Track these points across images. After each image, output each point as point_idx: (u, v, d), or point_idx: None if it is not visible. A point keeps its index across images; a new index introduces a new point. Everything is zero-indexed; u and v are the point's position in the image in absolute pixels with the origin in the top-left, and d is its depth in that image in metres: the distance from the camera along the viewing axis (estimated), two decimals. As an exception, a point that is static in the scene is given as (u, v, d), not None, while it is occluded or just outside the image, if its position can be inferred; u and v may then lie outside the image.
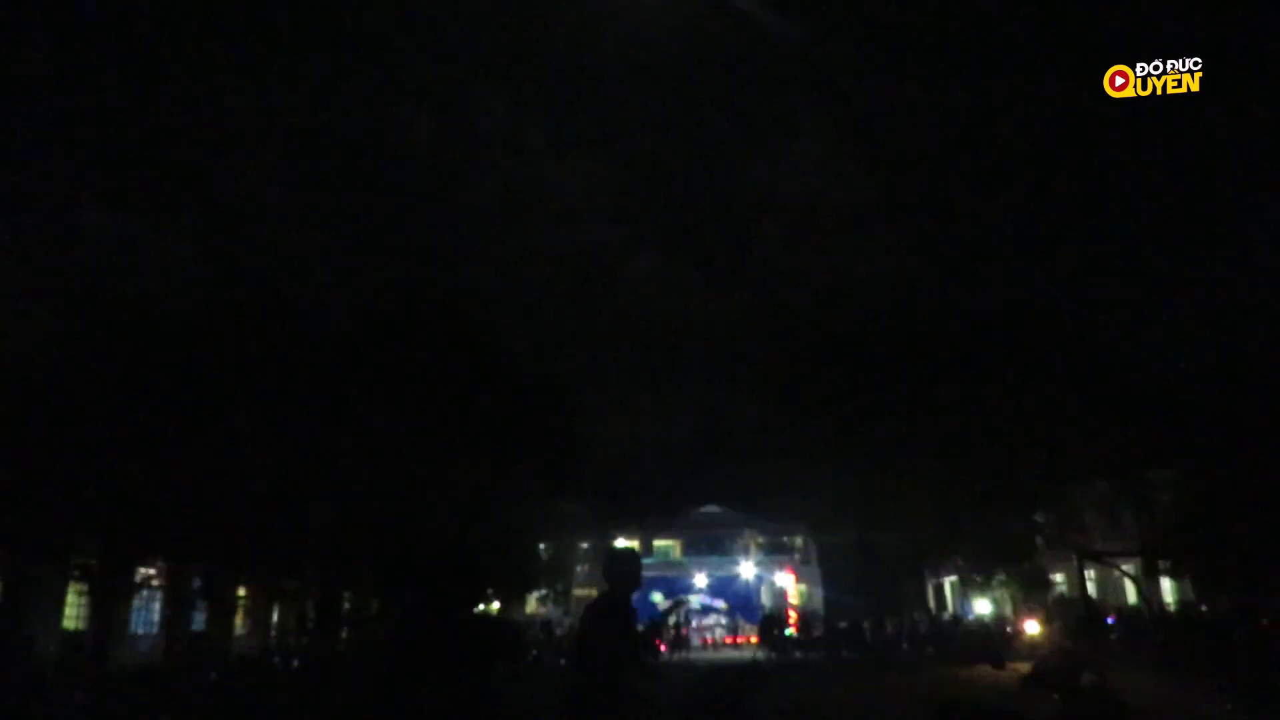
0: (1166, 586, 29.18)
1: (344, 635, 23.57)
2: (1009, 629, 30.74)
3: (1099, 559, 27.09)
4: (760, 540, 47.45)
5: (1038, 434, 25.31)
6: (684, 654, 28.69)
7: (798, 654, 28.14)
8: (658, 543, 48.82)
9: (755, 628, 32.78)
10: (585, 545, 41.30)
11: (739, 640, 35.49)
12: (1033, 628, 27.56)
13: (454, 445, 18.53)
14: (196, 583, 24.55)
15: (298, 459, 17.03)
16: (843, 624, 31.43)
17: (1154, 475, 26.20)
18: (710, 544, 47.30)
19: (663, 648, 28.34)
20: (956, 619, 36.28)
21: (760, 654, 27.26)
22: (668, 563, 46.97)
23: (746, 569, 43.84)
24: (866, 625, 30.86)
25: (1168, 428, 23.01)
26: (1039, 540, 33.31)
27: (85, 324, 16.35)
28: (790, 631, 31.07)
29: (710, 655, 30.10)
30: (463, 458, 18.82)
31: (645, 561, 46.58)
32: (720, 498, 49.75)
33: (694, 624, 37.14)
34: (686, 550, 47.77)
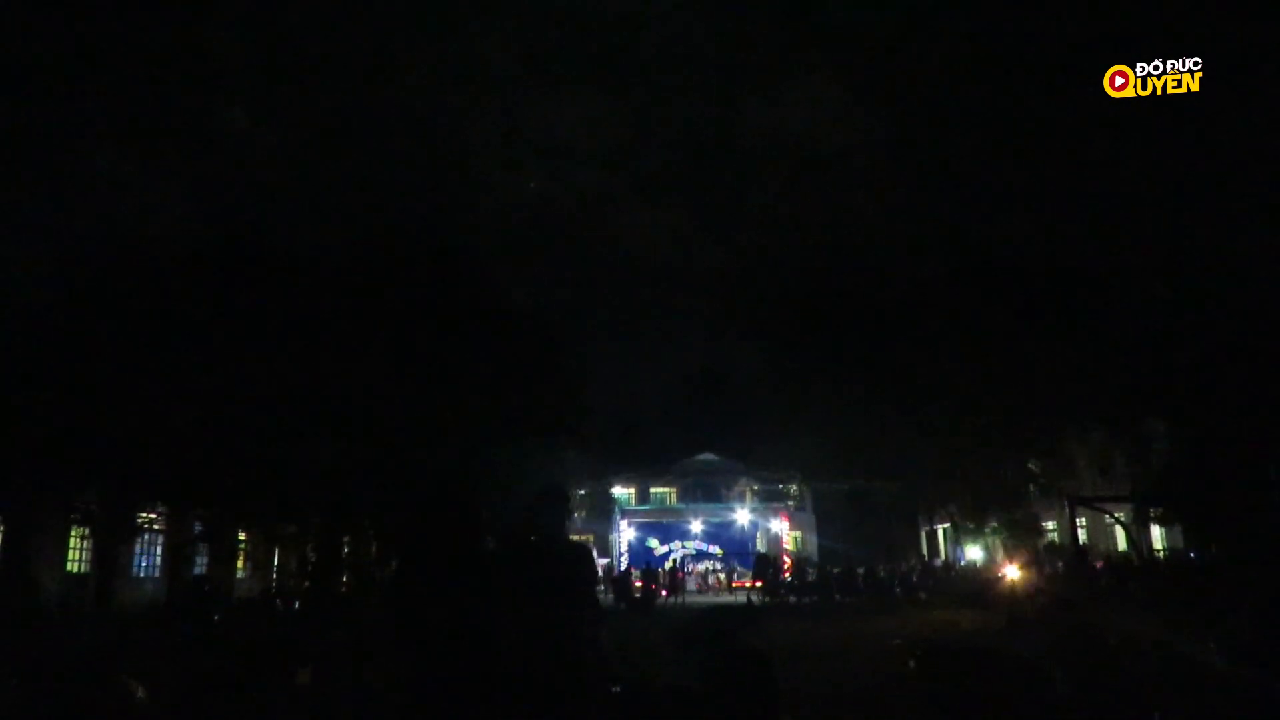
0: (1156, 534, 29.57)
1: (344, 579, 23.88)
2: (1000, 574, 31.22)
3: (1090, 505, 27.42)
4: (756, 487, 47.87)
5: (1033, 382, 25.40)
6: (679, 598, 29.15)
7: (791, 598, 28.60)
8: (654, 489, 49.27)
9: (750, 572, 33.27)
10: (582, 492, 41.68)
11: (735, 585, 36.00)
12: (1013, 573, 28.25)
13: (451, 390, 18.58)
14: (197, 527, 24.84)
15: (296, 405, 17.09)
16: (836, 569, 31.88)
17: (1149, 424, 26.39)
18: (706, 491, 47.72)
19: (664, 593, 28.86)
20: (949, 565, 36.81)
21: (755, 597, 27.70)
22: (664, 509, 47.44)
23: (742, 515, 44.31)
24: (860, 570, 31.32)
25: (1163, 376, 23.10)
26: (1032, 488, 33.71)
27: (82, 268, 16.28)
28: (785, 577, 31.50)
29: (706, 599, 30.57)
30: (460, 403, 18.88)
31: (642, 508, 47.15)
32: (716, 445, 50.11)
33: (689, 569, 37.63)
34: (682, 497, 48.22)
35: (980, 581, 29.86)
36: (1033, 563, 29.83)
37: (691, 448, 50.21)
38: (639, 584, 27.05)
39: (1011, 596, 22.34)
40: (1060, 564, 28.05)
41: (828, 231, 27.78)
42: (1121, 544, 29.32)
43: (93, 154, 17.41)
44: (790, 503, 47.05)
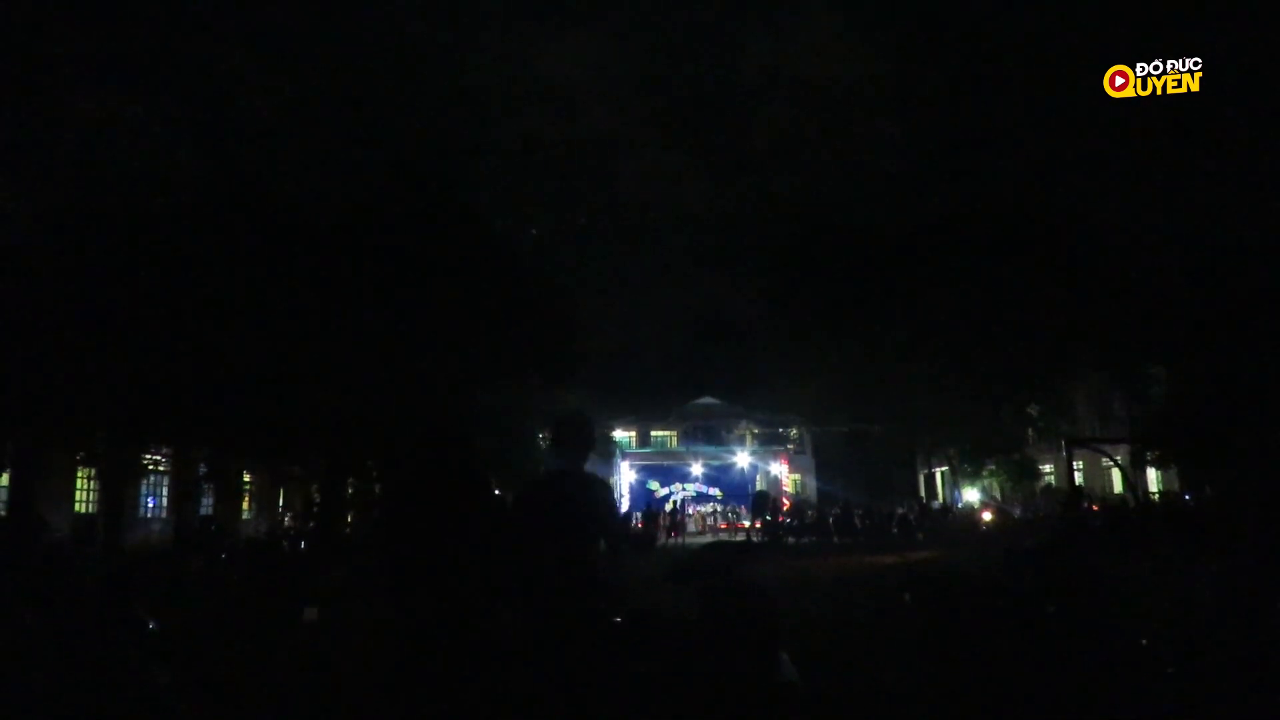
0: (1152, 477, 29.87)
1: (348, 519, 24.18)
2: (980, 517, 31.66)
3: (1088, 446, 27.67)
4: (756, 431, 48.20)
5: (1033, 326, 25.37)
6: (680, 539, 29.50)
7: (790, 539, 28.94)
8: (655, 433, 49.61)
9: (750, 512, 33.67)
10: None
11: (736, 526, 36.43)
12: (987, 516, 29.00)
13: (452, 333, 18.59)
14: (202, 469, 25.09)
15: (298, 346, 17.13)
16: (835, 510, 32.22)
17: (1148, 369, 26.46)
18: (706, 434, 48.04)
19: (667, 534, 29.31)
20: (946, 507, 37.20)
21: (755, 537, 28.08)
22: (665, 452, 47.85)
23: (742, 458, 44.69)
24: (858, 512, 31.64)
25: (1163, 320, 23.07)
26: (1030, 432, 33.96)
27: (84, 210, 16.20)
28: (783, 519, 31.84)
29: (706, 540, 30.96)
30: (460, 345, 18.92)
31: (643, 451, 47.55)
32: (717, 389, 50.30)
33: (690, 511, 38.04)
34: (683, 440, 48.57)
35: (977, 523, 30.36)
36: (996, 509, 30.49)
37: (692, 391, 50.43)
38: (640, 525, 27.41)
39: (1008, 536, 22.66)
40: (1056, 505, 28.40)
41: (829, 173, 27.52)
42: (1118, 486, 29.62)
43: (91, 96, 17.21)
44: (790, 446, 47.42)
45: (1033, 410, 33.26)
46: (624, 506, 35.88)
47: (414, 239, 17.52)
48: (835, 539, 28.91)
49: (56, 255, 15.69)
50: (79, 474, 23.47)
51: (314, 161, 18.41)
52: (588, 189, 26.55)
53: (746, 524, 33.53)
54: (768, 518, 30.02)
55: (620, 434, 46.51)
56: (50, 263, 15.58)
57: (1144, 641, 4.77)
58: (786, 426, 47.77)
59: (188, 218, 16.36)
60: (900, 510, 33.81)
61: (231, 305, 16.27)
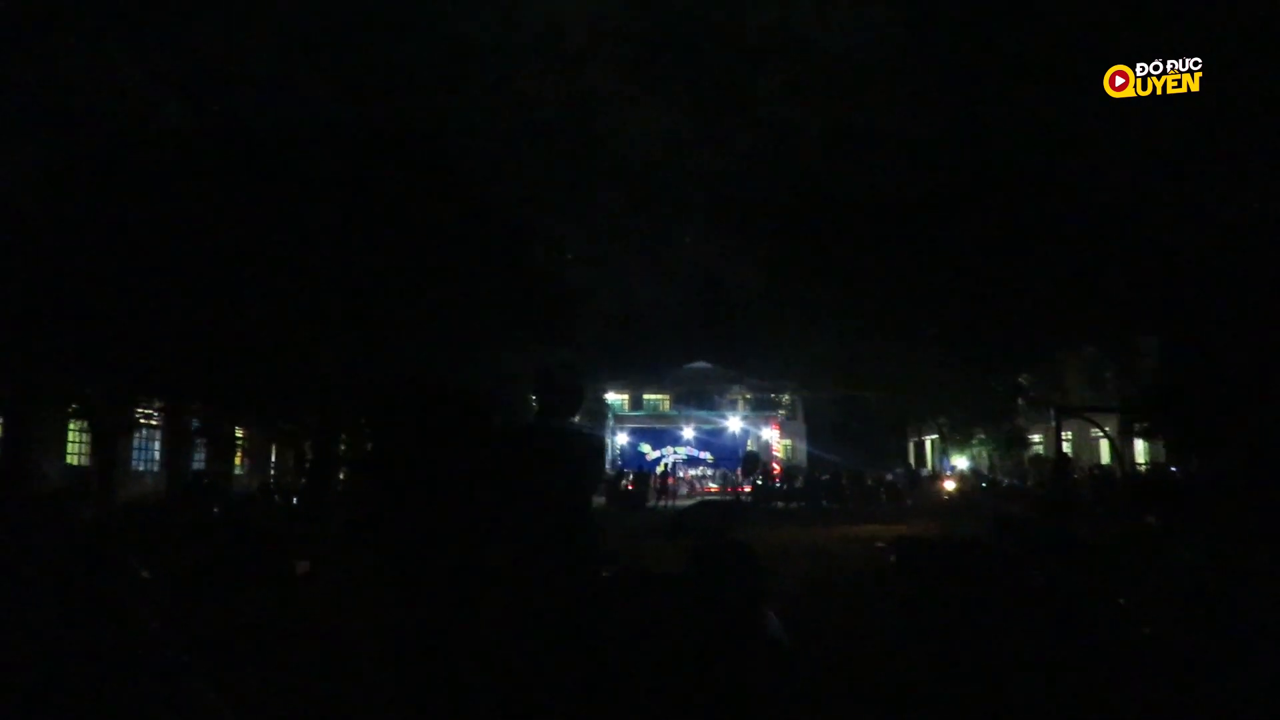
0: (1140, 448, 30.11)
1: (341, 476, 24.25)
2: (984, 484, 31.86)
3: (1077, 414, 27.87)
4: (748, 396, 48.32)
5: (1025, 297, 25.42)
6: (670, 502, 29.69)
7: (779, 503, 29.13)
8: (647, 396, 49.72)
9: (740, 477, 33.87)
10: (576, 397, 41.80)
11: (726, 490, 36.62)
12: (950, 485, 29.34)
13: (446, 290, 18.54)
14: (195, 423, 25.10)
15: (291, 303, 17.08)
16: (824, 476, 32.41)
17: (1140, 340, 26.57)
18: (698, 398, 48.14)
19: (663, 497, 29.48)
20: (936, 474, 37.46)
21: (744, 498, 28.29)
22: (656, 415, 47.98)
23: (734, 423, 44.83)
24: (846, 478, 31.83)
25: (1154, 293, 23.11)
26: (1021, 401, 34.15)
27: (77, 163, 16.04)
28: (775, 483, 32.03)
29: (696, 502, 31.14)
30: (454, 303, 18.87)
31: (635, 414, 47.69)
32: (710, 353, 50.32)
33: (681, 474, 38.20)
34: (675, 404, 48.69)
35: (944, 490, 30.74)
36: (959, 478, 30.88)
37: (685, 355, 50.44)
38: (630, 487, 27.57)
39: (994, 504, 22.88)
40: (1045, 474, 28.68)
41: (827, 140, 27.34)
42: (1106, 457, 29.86)
43: (80, 41, 16.98)
44: (782, 411, 47.56)
45: (1023, 380, 33.45)
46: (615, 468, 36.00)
47: (406, 197, 17.40)
48: (824, 503, 29.11)
49: (49, 208, 15.57)
50: (71, 427, 23.46)
51: (305, 116, 18.22)
52: (584, 148, 26.28)
53: (736, 488, 33.76)
54: (758, 482, 30.20)
55: (612, 397, 46.59)
56: (43, 215, 15.47)
57: (1121, 601, 4.85)
58: (779, 392, 47.85)
59: (183, 172, 16.22)
60: (889, 477, 34.04)
61: (225, 261, 16.18)
